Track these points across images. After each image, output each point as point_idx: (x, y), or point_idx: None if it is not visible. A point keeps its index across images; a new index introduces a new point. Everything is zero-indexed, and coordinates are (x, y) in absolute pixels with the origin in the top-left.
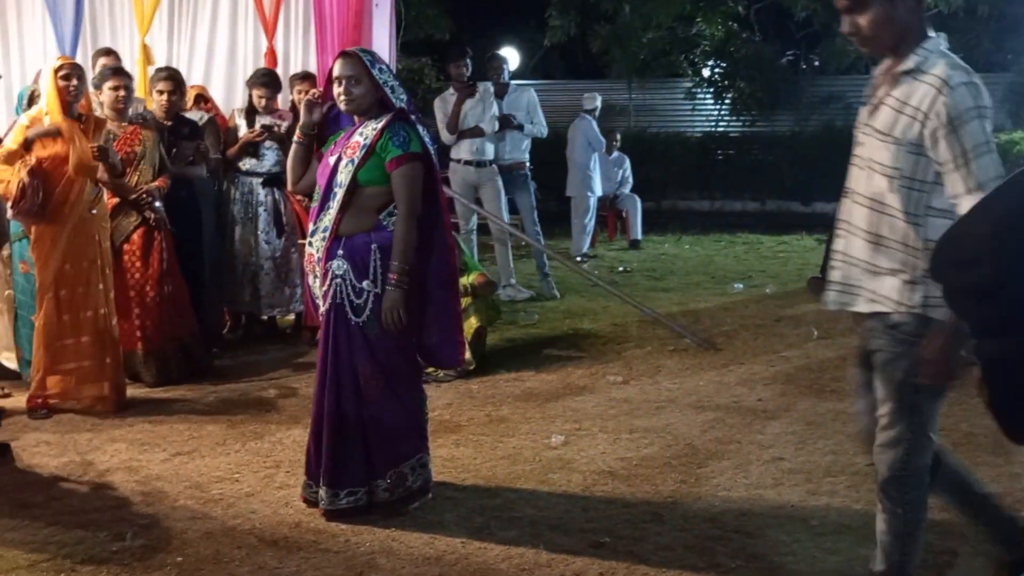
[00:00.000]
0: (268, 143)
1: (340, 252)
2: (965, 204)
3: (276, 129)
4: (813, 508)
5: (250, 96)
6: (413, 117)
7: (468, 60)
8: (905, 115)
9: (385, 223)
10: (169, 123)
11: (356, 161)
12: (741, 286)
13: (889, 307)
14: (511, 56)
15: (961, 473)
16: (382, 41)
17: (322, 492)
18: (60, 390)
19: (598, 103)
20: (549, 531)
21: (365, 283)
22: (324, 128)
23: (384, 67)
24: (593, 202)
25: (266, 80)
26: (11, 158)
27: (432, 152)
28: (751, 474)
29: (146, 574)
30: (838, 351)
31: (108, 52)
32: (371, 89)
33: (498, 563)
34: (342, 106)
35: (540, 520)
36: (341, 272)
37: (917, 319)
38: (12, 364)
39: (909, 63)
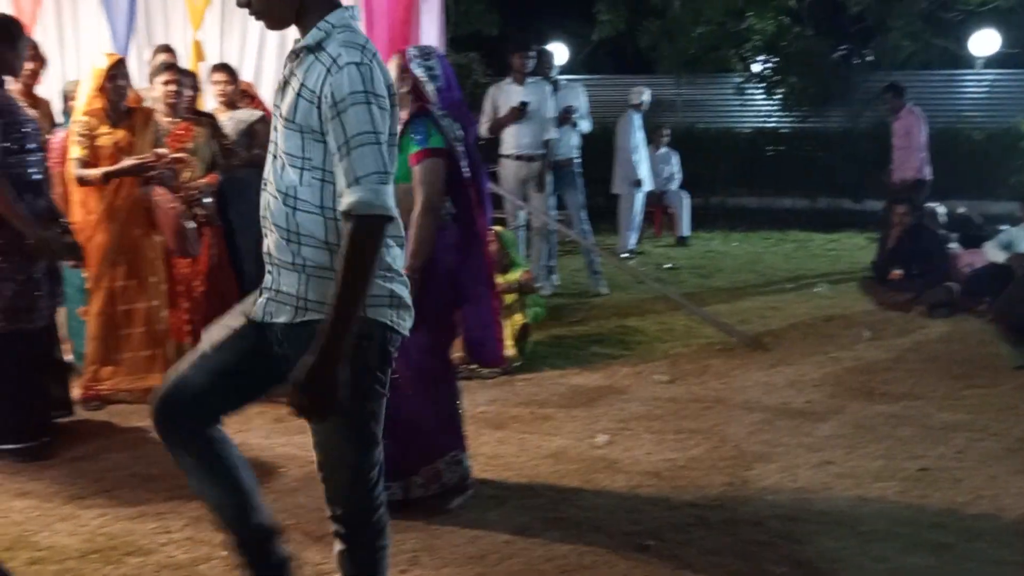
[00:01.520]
0: None
1: None
2: (345, 201)
3: None
4: (862, 514)
5: None
6: (440, 111)
7: (532, 52)
8: (303, 98)
9: None
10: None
11: None
12: (824, 287)
13: (323, 314)
14: (559, 51)
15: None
16: (430, 37)
17: None
18: (114, 381)
19: (645, 98)
20: (593, 532)
21: None
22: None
23: (430, 64)
24: (640, 198)
25: None
26: (87, 183)
27: (457, 147)
28: (799, 478)
29: (193, 568)
30: (889, 353)
31: (166, 49)
32: (398, 86)
33: (541, 563)
34: None
35: (584, 521)
36: None
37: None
38: (68, 356)
39: (309, 39)
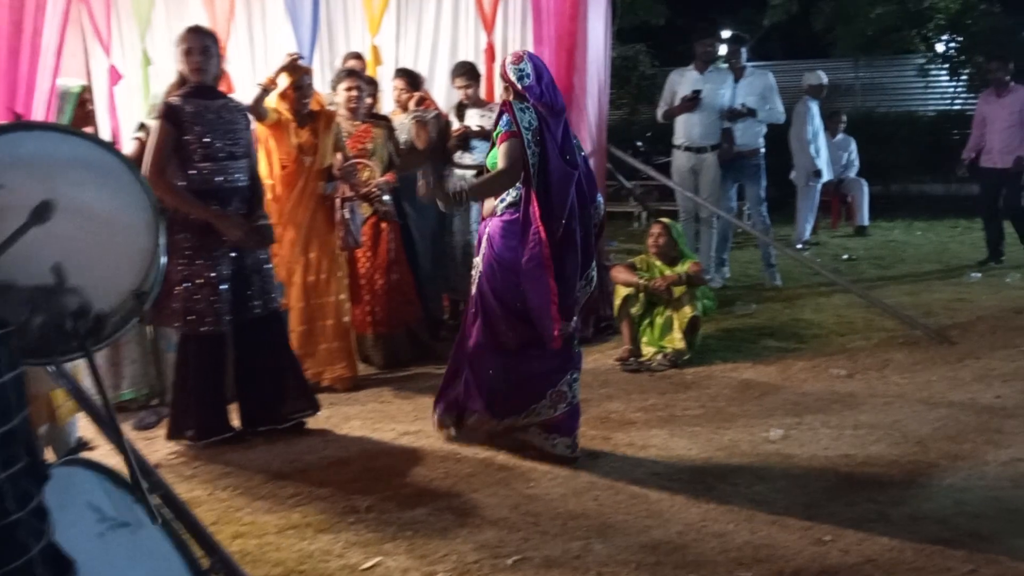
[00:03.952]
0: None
1: (485, 231)
2: None
3: (478, 127)
4: None
5: None
6: (521, 105)
7: (716, 40)
8: None
9: (500, 211)
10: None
11: (487, 152)
12: (979, 275)
13: None
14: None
15: None
16: (597, 30)
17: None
18: (309, 371)
19: (823, 81)
20: (767, 526)
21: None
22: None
23: (520, 66)
24: (818, 189)
25: (462, 71)
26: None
27: (526, 135)
28: (987, 475)
29: (380, 545)
30: None
31: (357, 56)
32: (504, 93)
33: (714, 556)
34: None
35: (758, 515)
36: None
37: None
38: None
39: None
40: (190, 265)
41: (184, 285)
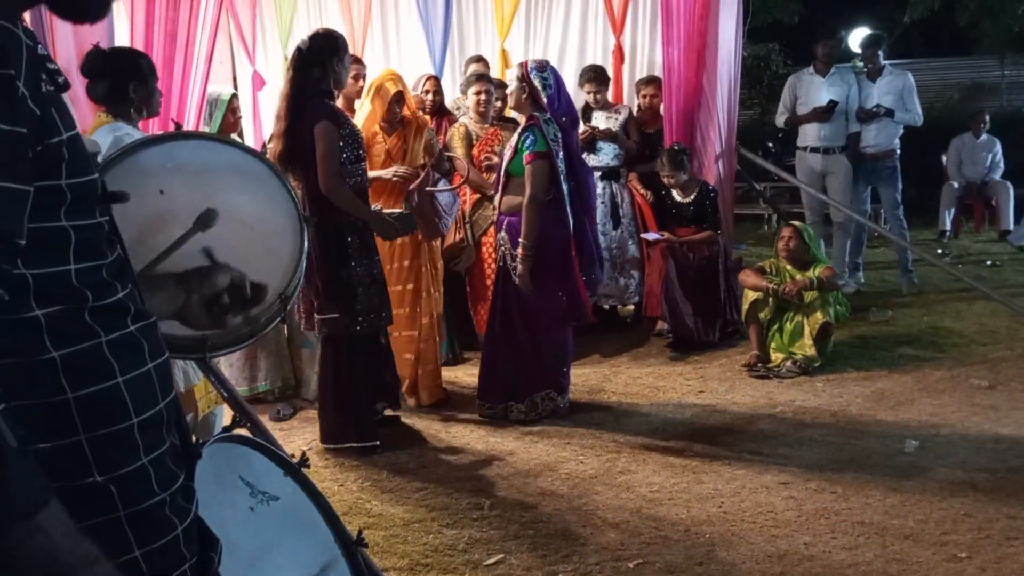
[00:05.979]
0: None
1: (504, 226)
2: None
3: (605, 129)
4: None
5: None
6: (546, 117)
7: (838, 41)
8: None
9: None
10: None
11: (507, 158)
12: None
13: None
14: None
15: None
16: (728, 30)
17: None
18: (407, 375)
19: None
20: (899, 541)
21: (517, 251)
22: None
23: (544, 75)
24: None
25: (591, 76)
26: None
27: (554, 147)
28: None
29: (503, 543)
30: None
31: (479, 59)
32: (519, 92)
33: (843, 568)
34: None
35: (890, 528)
36: (503, 242)
37: None
38: None
39: None
40: (358, 266)
41: (360, 287)
